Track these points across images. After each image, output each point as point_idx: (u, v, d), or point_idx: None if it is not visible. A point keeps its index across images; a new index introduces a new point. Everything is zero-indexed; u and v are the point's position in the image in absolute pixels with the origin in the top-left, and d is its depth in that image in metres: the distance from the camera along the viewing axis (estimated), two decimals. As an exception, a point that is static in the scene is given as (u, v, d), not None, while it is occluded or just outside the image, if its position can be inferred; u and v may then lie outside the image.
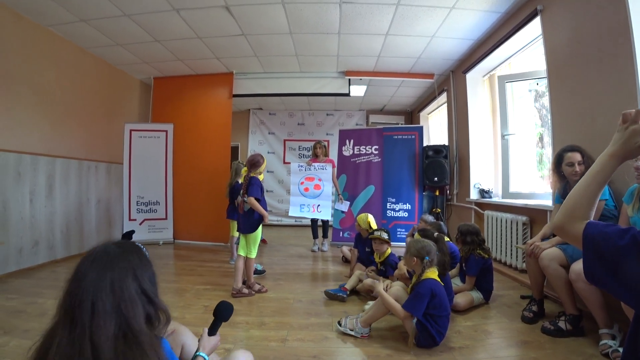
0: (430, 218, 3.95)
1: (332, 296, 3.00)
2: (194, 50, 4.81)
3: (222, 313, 1.32)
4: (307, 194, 5.16)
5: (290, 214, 5.30)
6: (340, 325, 2.33)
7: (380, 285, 2.36)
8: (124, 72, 5.60)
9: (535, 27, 3.35)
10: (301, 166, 5.25)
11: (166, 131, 5.68)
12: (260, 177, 3.27)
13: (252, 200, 3.07)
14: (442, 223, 3.42)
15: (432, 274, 2.21)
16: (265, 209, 3.19)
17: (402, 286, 2.39)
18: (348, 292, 3.04)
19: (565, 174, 2.45)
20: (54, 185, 4.22)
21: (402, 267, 2.84)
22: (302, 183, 5.22)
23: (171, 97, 5.86)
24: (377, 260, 3.33)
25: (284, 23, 4.02)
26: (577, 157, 2.38)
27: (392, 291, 2.31)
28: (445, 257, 2.45)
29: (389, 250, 3.28)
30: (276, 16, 3.87)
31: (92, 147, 4.91)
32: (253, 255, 3.19)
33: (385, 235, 3.25)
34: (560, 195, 2.57)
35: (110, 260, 0.92)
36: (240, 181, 3.56)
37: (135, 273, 0.93)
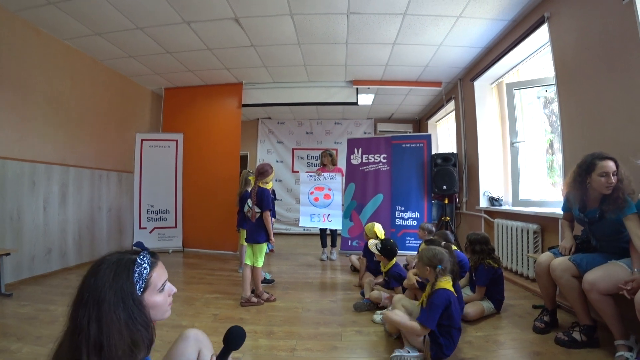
0: (428, 226, 3.92)
1: (361, 308, 2.98)
2: (204, 61, 4.90)
3: (235, 340, 1.17)
4: (317, 204, 5.17)
5: (300, 224, 5.32)
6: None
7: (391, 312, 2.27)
8: (136, 83, 5.73)
9: (543, 34, 3.35)
10: (311, 176, 5.27)
11: (176, 141, 5.77)
12: (269, 186, 3.29)
13: (268, 217, 3.12)
14: (448, 232, 3.38)
15: (447, 284, 2.12)
16: (274, 218, 3.21)
17: (402, 298, 2.42)
18: (370, 301, 3.04)
19: (593, 185, 2.15)
20: (67, 194, 4.30)
21: (412, 277, 2.82)
22: (311, 193, 5.23)
23: (181, 107, 5.97)
24: (382, 269, 3.31)
25: (292, 34, 4.08)
26: (612, 166, 2.09)
27: (397, 308, 2.28)
28: (454, 266, 2.42)
29: (394, 261, 3.20)
30: (284, 27, 3.93)
31: (104, 157, 5.01)
32: (260, 264, 3.20)
33: (378, 247, 3.21)
34: (578, 209, 2.33)
35: (87, 277, 0.89)
36: (249, 190, 3.58)
37: (99, 296, 0.85)
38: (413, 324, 2.04)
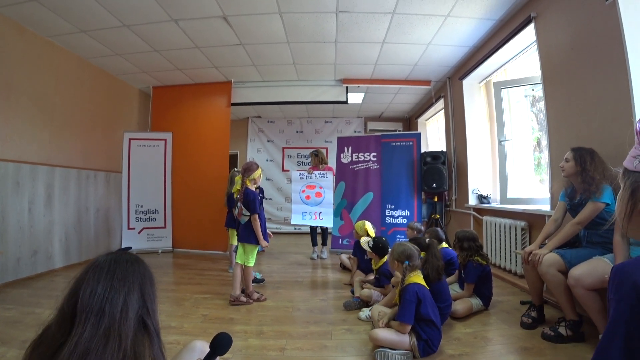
0: (417, 225, 3.95)
1: (351, 307, 2.98)
2: (192, 59, 4.85)
3: (221, 347, 1.20)
4: (308, 202, 5.17)
5: (292, 222, 5.31)
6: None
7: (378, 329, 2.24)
8: (124, 81, 5.64)
9: (529, 33, 3.39)
10: (302, 174, 5.26)
11: (165, 140, 5.71)
12: (256, 182, 3.27)
13: (257, 221, 3.09)
14: (439, 229, 3.41)
15: (416, 278, 2.20)
16: (263, 220, 3.19)
17: (376, 306, 2.50)
18: (360, 299, 3.04)
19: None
20: (52, 195, 4.22)
21: (399, 274, 2.84)
22: (303, 191, 5.22)
23: (170, 106, 5.90)
24: (373, 267, 3.32)
25: (281, 32, 4.06)
26: (567, 154, 2.44)
27: (374, 316, 2.38)
28: (438, 261, 2.45)
29: (385, 258, 3.20)
30: (273, 26, 3.91)
31: (91, 156, 4.93)
32: (251, 263, 3.19)
33: (370, 244, 3.23)
34: (565, 195, 2.53)
35: (116, 268, 0.90)
36: (233, 191, 3.56)
37: (139, 280, 0.90)
38: (395, 337, 2.08)
